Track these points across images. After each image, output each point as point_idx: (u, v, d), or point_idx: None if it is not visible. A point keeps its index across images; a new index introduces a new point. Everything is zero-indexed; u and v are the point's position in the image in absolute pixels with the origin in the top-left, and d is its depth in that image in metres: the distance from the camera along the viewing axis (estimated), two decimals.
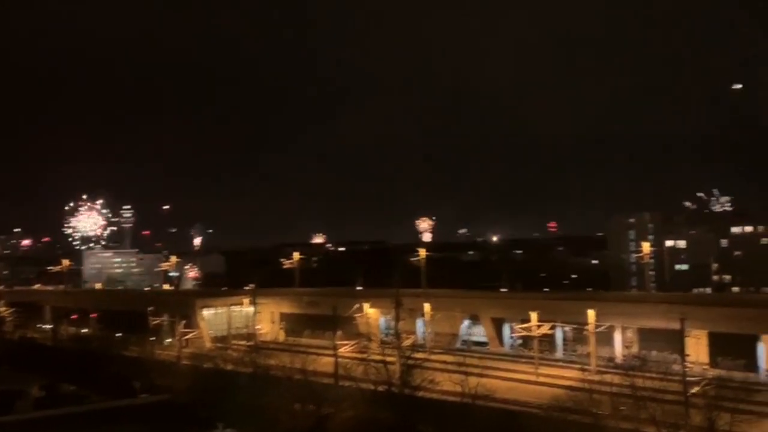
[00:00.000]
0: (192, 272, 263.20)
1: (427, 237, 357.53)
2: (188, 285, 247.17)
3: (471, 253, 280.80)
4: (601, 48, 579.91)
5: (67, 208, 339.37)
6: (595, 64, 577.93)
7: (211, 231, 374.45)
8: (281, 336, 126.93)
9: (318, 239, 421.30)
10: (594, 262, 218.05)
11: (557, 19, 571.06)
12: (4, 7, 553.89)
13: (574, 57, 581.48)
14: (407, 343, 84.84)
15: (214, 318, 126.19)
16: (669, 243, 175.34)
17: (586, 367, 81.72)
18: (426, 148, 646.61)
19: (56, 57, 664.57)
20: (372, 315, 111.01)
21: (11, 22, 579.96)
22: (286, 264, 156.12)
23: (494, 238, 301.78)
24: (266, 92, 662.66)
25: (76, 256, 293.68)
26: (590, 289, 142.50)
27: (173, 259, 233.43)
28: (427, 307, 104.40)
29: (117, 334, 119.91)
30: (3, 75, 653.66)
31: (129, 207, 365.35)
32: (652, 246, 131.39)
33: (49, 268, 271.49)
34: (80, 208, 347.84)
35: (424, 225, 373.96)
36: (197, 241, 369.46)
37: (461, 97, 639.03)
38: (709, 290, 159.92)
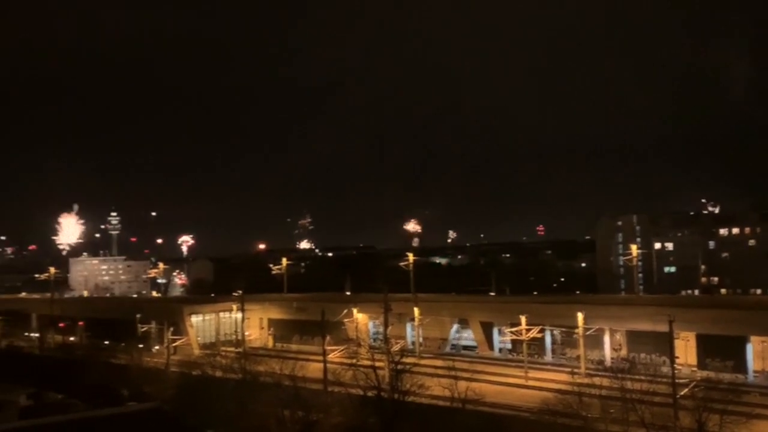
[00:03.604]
0: (180, 279, 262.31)
1: (415, 242, 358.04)
2: (176, 291, 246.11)
3: (459, 257, 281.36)
4: (589, 54, 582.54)
5: (60, 218, 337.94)
6: (583, 69, 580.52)
7: (192, 237, 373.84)
8: (270, 342, 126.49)
9: (305, 245, 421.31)
10: (582, 265, 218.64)
11: (543, 24, 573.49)
12: None
13: (562, 61, 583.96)
14: (396, 347, 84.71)
15: (202, 324, 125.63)
16: (657, 245, 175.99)
17: (575, 370, 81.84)
18: (414, 152, 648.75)
19: (39, 64, 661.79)
20: (361, 320, 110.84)
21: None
22: (274, 270, 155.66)
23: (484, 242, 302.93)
24: (250, 94, 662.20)
25: (64, 263, 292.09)
26: (579, 292, 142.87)
27: (161, 265, 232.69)
28: (416, 311, 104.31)
29: (104, 342, 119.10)
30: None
31: (116, 214, 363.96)
32: (639, 248, 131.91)
33: (35, 275, 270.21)
34: (63, 216, 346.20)
35: (412, 227, 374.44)
36: (184, 247, 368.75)
37: (448, 100, 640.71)
38: (697, 292, 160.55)
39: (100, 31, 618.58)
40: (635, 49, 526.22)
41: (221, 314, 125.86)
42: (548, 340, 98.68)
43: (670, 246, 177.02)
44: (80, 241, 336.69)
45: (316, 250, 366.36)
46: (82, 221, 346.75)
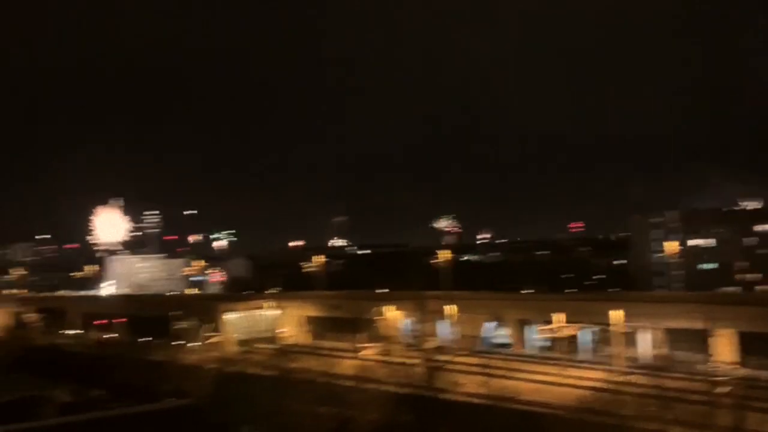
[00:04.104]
0: (217, 276, 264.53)
1: (449, 239, 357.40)
2: (213, 289, 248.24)
3: (493, 254, 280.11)
4: (620, 48, 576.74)
5: (92, 215, 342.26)
6: (616, 63, 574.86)
7: (233, 234, 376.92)
8: (305, 339, 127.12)
9: (340, 242, 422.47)
10: (617, 262, 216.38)
11: (568, 18, 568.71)
12: (23, 11, 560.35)
13: (591, 56, 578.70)
14: (430, 345, 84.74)
15: (238, 321, 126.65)
16: (692, 242, 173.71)
17: (611, 368, 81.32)
18: (446, 150, 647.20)
19: (76, 62, 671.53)
20: (395, 317, 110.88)
21: (34, 27, 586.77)
22: (309, 267, 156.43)
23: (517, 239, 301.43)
24: (283, 94, 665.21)
25: (103, 262, 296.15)
26: (615, 289, 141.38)
27: (198, 263, 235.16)
28: (449, 309, 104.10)
29: (142, 339, 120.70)
30: (30, 81, 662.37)
31: (155, 212, 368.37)
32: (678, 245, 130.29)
33: (74, 273, 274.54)
34: (102, 215, 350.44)
35: (445, 225, 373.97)
36: (221, 244, 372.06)
37: (478, 96, 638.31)
38: (733, 289, 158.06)
39: (134, 31, 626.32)
40: (664, 43, 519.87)
41: (257, 311, 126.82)
42: (584, 337, 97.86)
43: (706, 242, 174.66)
44: (124, 239, 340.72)
45: (354, 247, 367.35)
46: (127, 217, 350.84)
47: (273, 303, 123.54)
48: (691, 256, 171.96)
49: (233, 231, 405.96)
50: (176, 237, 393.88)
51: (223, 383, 75.51)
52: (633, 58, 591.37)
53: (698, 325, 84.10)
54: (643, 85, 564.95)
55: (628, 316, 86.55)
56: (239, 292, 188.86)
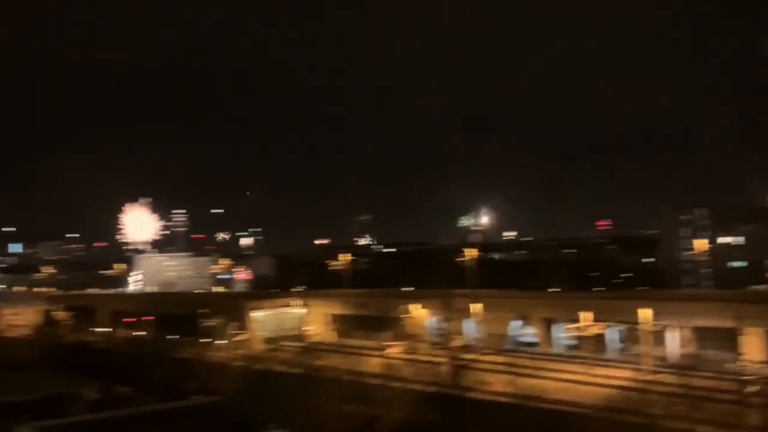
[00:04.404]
0: (243, 275, 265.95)
1: (474, 238, 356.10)
2: (239, 287, 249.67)
3: (519, 252, 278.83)
4: (645, 44, 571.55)
5: (121, 214, 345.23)
6: (640, 60, 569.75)
7: (259, 232, 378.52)
8: (331, 337, 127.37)
9: (365, 241, 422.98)
10: (646, 260, 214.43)
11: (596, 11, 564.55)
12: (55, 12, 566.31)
13: (619, 52, 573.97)
14: (456, 343, 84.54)
15: (264, 319, 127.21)
16: (722, 240, 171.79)
17: (639, 366, 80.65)
18: (469, 148, 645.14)
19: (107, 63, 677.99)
20: (421, 316, 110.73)
21: (65, 28, 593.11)
22: (334, 266, 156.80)
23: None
24: (310, 93, 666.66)
25: (131, 260, 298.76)
26: (642, 287, 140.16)
27: (225, 261, 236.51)
28: (476, 307, 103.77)
29: (170, 337, 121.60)
30: (61, 81, 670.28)
31: (182, 211, 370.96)
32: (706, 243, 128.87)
33: (103, 271, 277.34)
34: (131, 213, 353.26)
35: (471, 223, 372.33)
36: (247, 242, 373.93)
37: (501, 93, 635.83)
38: (764, 287, 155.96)
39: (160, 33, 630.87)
40: (695, 38, 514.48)
41: (283, 309, 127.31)
42: (612, 336, 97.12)
43: (735, 240, 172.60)
44: (153, 238, 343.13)
45: (379, 246, 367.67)
46: (155, 215, 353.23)
47: (299, 301, 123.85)
48: (721, 253, 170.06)
49: (259, 229, 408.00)
50: (203, 235, 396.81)
51: (250, 381, 75.86)
52: (657, 53, 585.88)
53: (727, 323, 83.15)
54: (670, 80, 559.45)
55: (656, 315, 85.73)
56: (265, 290, 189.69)
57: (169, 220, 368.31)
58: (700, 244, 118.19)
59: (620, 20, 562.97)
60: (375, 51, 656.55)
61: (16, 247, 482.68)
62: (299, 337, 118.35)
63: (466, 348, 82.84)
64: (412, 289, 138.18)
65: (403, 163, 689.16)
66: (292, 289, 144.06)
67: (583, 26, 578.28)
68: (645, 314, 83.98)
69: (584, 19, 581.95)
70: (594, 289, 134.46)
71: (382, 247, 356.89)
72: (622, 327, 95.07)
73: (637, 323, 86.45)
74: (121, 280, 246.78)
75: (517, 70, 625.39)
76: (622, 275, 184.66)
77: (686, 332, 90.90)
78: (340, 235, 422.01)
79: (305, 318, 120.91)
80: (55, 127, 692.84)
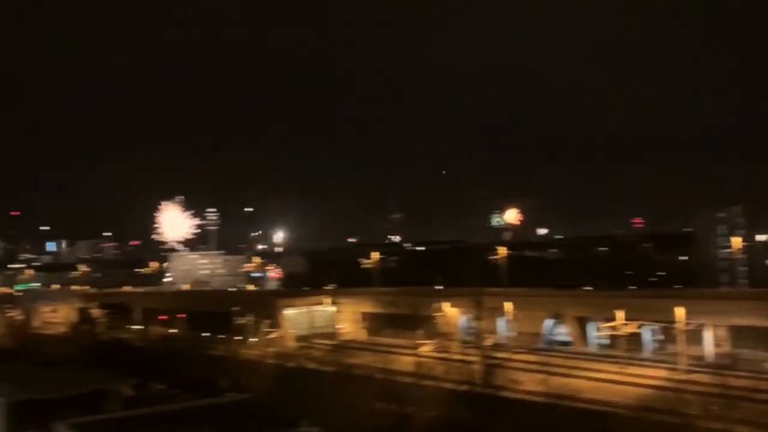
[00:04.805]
0: (274, 273, 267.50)
1: (506, 236, 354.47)
2: (270, 285, 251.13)
3: (552, 251, 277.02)
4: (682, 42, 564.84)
5: (156, 212, 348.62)
6: (677, 57, 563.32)
7: (291, 231, 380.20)
8: (362, 335, 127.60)
9: (396, 238, 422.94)
10: (681, 258, 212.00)
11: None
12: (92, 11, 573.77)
13: (653, 50, 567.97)
14: (488, 342, 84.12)
15: (296, 317, 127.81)
16: (760, 237, 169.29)
17: (674, 366, 79.82)
18: (502, 146, 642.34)
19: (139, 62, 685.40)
20: (452, 314, 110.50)
21: (102, 26, 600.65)
22: (365, 264, 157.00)
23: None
24: (345, 86, 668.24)
25: (164, 258, 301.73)
26: (678, 286, 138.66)
27: (256, 260, 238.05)
28: (507, 306, 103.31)
29: (203, 334, 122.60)
30: (97, 82, 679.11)
31: (214, 209, 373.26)
32: (743, 241, 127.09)
33: (137, 270, 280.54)
34: (165, 212, 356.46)
35: (502, 222, 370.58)
36: (278, 240, 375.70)
37: (534, 91, 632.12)
38: None
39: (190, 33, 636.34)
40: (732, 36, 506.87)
41: (314, 307, 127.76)
42: (646, 335, 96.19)
43: None
44: (186, 236, 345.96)
45: (407, 244, 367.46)
46: (190, 212, 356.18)
47: (330, 299, 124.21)
48: (757, 251, 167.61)
49: (290, 228, 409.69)
50: (235, 234, 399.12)
51: (282, 378, 76.19)
52: (688, 50, 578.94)
53: (764, 322, 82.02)
54: (704, 77, 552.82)
55: (691, 314, 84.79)
56: (295, 288, 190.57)
57: (204, 218, 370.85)
58: (736, 242, 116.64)
59: (644, 18, 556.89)
60: (407, 49, 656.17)
61: (52, 246, 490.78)
62: (331, 335, 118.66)
63: (498, 347, 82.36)
64: (443, 287, 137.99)
65: (434, 161, 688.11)
66: (323, 287, 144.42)
67: (605, 24, 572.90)
68: (679, 313, 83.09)
69: (609, 16, 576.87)
70: (629, 287, 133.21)
71: (412, 245, 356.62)
72: (656, 326, 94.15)
73: (671, 322, 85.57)
74: (156, 278, 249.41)
75: (548, 70, 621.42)
76: (659, 273, 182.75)
77: (721, 331, 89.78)
78: (371, 233, 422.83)
79: (337, 316, 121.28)
80: (88, 128, 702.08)
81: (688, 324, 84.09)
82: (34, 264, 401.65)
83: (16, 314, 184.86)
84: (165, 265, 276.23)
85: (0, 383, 60.37)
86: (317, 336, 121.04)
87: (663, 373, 76.93)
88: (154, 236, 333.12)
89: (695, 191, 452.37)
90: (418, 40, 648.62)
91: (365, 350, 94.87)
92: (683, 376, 69.48)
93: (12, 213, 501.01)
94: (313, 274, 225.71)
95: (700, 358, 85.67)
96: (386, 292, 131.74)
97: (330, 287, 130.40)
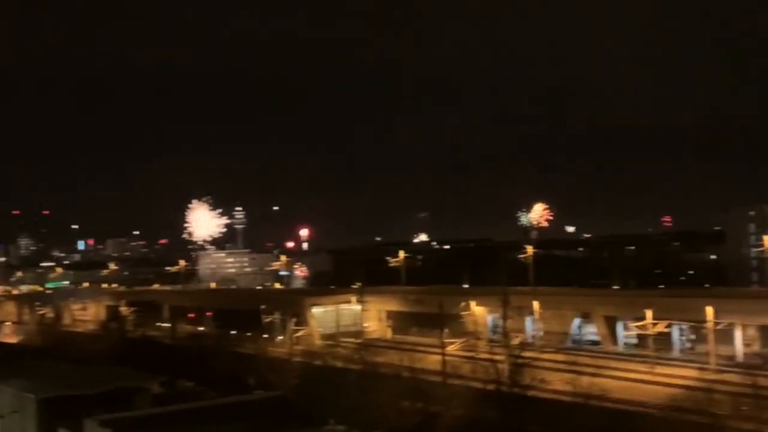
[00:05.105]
0: (300, 271, 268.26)
1: (534, 234, 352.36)
2: (297, 284, 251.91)
3: (580, 249, 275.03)
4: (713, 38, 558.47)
5: (187, 210, 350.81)
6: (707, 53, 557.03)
7: (309, 228, 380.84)
8: (388, 334, 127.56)
9: (422, 237, 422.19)
10: (712, 257, 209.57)
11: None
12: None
13: (683, 45, 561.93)
14: (516, 341, 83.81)
15: (323, 316, 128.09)
16: None
17: (703, 365, 79.00)
18: (527, 144, 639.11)
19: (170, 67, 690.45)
20: (479, 313, 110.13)
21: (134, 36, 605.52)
22: (392, 262, 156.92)
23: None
24: (370, 85, 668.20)
25: (192, 256, 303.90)
26: (708, 285, 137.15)
27: (283, 258, 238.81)
28: (535, 304, 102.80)
29: (231, 332, 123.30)
30: (128, 84, 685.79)
31: (240, 208, 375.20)
32: None
33: (166, 268, 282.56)
34: (194, 211, 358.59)
35: (530, 220, 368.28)
36: (304, 238, 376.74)
37: (560, 90, 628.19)
38: None
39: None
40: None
41: (341, 306, 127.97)
42: (675, 335, 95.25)
43: None
44: (214, 235, 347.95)
45: (433, 243, 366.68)
46: (218, 212, 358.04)
47: (356, 297, 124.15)
48: None
49: (316, 226, 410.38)
50: (262, 233, 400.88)
51: (309, 376, 76.40)
52: (721, 47, 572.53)
53: None
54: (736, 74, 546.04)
55: (722, 313, 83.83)
56: (322, 286, 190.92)
57: (232, 217, 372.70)
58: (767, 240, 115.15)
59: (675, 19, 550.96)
60: (435, 48, 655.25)
61: (81, 244, 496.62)
62: (357, 334, 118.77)
63: (525, 346, 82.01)
64: (470, 286, 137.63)
65: (461, 160, 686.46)
66: (349, 286, 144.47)
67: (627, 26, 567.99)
68: (709, 312, 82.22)
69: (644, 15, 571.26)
70: (658, 286, 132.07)
71: (438, 244, 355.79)
72: (686, 325, 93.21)
73: (700, 321, 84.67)
74: (184, 276, 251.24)
75: (582, 69, 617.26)
76: (689, 272, 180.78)
77: (751, 331, 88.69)
78: (398, 231, 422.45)
79: (363, 314, 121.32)
80: (118, 130, 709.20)
81: (717, 323, 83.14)
82: (64, 262, 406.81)
83: (46, 312, 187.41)
84: (193, 263, 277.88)
85: (31, 380, 61.18)
86: (344, 334, 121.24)
87: (693, 372, 76.16)
88: (185, 235, 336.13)
89: (726, 190, 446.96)
90: (439, 37, 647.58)
91: (391, 349, 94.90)
92: (713, 376, 68.73)
93: (43, 212, 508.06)
94: (339, 273, 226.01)
95: (730, 357, 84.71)
96: (412, 290, 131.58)
97: (356, 286, 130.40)
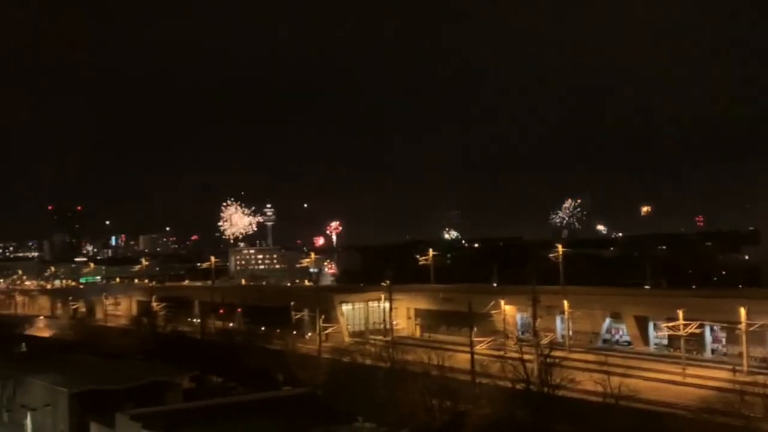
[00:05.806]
0: (329, 268, 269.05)
1: (564, 233, 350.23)
2: (326, 281, 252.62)
3: (611, 249, 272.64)
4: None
5: (223, 208, 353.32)
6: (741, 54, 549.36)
7: (339, 225, 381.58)
8: (417, 332, 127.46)
9: (452, 235, 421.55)
10: (746, 257, 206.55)
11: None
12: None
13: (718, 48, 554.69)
14: (545, 340, 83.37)
15: (352, 313, 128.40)
16: None
17: (736, 367, 78.04)
18: (564, 143, 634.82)
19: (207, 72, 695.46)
20: (508, 312, 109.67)
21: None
22: (420, 260, 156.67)
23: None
24: (401, 84, 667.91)
25: (223, 253, 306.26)
26: (741, 286, 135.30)
27: (312, 255, 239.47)
28: (565, 304, 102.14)
29: (261, 328, 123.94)
30: (163, 88, 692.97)
31: (270, 206, 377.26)
32: None
33: (197, 264, 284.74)
34: (228, 209, 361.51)
35: (560, 219, 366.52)
36: (333, 236, 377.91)
37: (591, 90, 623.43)
38: None
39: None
40: None
41: (370, 303, 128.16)
42: (708, 336, 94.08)
43: None
44: (245, 232, 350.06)
45: (463, 241, 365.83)
46: (249, 211, 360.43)
47: (385, 295, 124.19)
48: None
49: (345, 224, 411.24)
50: (292, 230, 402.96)
51: (338, 373, 76.61)
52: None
53: None
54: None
55: (756, 314, 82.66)
56: (351, 284, 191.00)
57: (264, 214, 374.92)
58: None
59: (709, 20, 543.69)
60: (462, 50, 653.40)
61: (114, 240, 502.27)
62: (387, 331, 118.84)
63: (555, 345, 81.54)
64: (499, 285, 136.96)
65: (494, 159, 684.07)
66: (378, 283, 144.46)
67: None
68: (742, 313, 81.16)
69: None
70: (690, 286, 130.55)
71: (466, 242, 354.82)
72: (718, 326, 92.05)
73: (733, 322, 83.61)
74: (215, 272, 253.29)
75: (617, 68, 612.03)
76: (722, 272, 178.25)
77: None
78: (428, 229, 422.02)
79: (392, 312, 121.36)
80: (151, 129, 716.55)
81: (750, 324, 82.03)
82: (97, 258, 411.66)
83: (79, 306, 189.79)
84: (224, 260, 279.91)
85: (63, 374, 62.07)
86: (373, 332, 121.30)
87: (724, 374, 75.28)
88: (217, 234, 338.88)
89: (762, 189, 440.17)
90: (472, 38, 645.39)
91: (420, 347, 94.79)
92: (746, 378, 67.87)
93: (77, 207, 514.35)
94: (368, 270, 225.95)
95: (764, 359, 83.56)
96: (441, 289, 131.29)
97: (385, 283, 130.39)
